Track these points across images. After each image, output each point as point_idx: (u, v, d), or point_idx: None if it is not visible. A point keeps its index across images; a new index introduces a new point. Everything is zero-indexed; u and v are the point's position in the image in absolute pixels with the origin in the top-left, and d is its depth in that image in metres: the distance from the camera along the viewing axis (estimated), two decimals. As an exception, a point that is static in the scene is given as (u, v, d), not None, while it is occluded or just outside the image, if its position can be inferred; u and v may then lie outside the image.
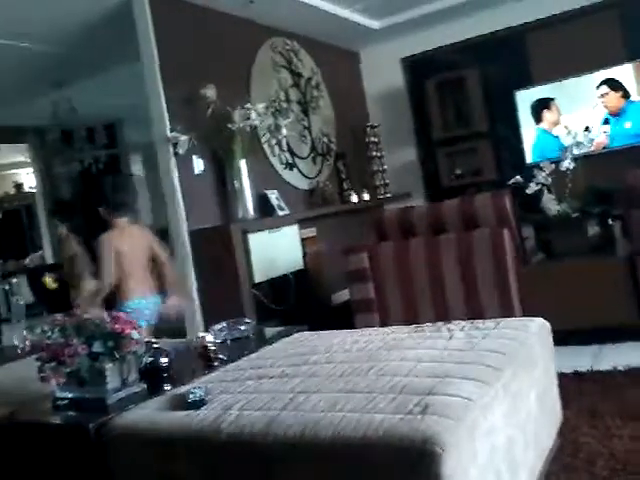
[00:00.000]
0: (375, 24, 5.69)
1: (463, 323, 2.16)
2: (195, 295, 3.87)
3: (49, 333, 1.96)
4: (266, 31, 5.01)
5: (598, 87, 5.01)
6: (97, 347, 1.88)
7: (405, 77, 6.08)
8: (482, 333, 2.01)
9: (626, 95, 4.94)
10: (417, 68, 5.99)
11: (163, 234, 6.15)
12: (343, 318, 3.84)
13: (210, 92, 4.15)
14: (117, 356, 1.89)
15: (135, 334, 1.92)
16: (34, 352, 1.96)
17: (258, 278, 3.92)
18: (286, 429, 1.48)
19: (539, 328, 2.12)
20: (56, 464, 1.82)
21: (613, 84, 4.96)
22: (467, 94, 5.69)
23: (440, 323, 2.19)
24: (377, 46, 6.04)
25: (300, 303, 4.29)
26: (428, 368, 1.71)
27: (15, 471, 1.93)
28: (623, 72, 4.95)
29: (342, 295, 4.63)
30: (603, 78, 5.00)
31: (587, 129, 5.00)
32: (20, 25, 4.37)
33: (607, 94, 4.98)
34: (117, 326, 1.89)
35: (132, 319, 1.94)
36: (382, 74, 6.11)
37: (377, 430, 1.39)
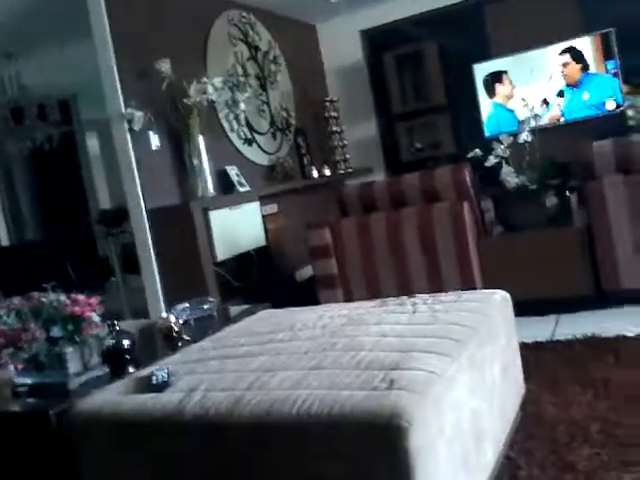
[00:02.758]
0: (332, -3, 5.62)
1: (426, 297, 2.18)
2: (156, 275, 3.81)
3: (4, 318, 1.89)
4: (222, 3, 4.90)
5: (561, 54, 5.05)
6: (56, 331, 1.83)
7: (363, 51, 6.04)
8: (445, 306, 2.03)
9: (585, 67, 5.01)
10: (375, 41, 5.96)
11: (122, 213, 6.02)
12: (307, 294, 3.84)
13: (165, 66, 4.04)
14: (77, 340, 1.84)
15: (95, 316, 1.88)
16: (-11, 338, 1.89)
17: (220, 256, 3.89)
18: (252, 408, 1.46)
19: (500, 300, 2.15)
20: (17, 453, 1.77)
21: (575, 54, 5.02)
22: (426, 68, 5.69)
23: (404, 297, 2.21)
24: (335, 19, 5.98)
25: (264, 280, 4.27)
26: (393, 343, 1.71)
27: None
28: (581, 45, 5.02)
29: (306, 271, 4.62)
30: (564, 48, 5.05)
31: (545, 102, 5.06)
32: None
33: (568, 64, 5.04)
34: (77, 309, 1.84)
35: (92, 301, 1.89)
36: (340, 48, 6.06)
37: (343, 406, 1.38)
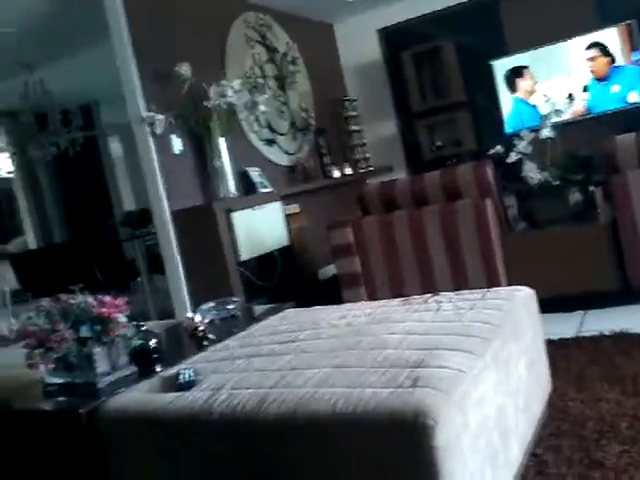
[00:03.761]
0: (348, -5, 5.63)
1: (450, 294, 2.17)
2: (181, 276, 3.86)
3: (35, 319, 1.93)
4: (238, 6, 4.94)
5: (588, 48, 5.00)
6: (84, 332, 1.85)
7: (381, 49, 6.04)
8: (469, 304, 2.02)
9: (613, 60, 4.95)
10: (393, 40, 5.96)
11: (146, 215, 6.09)
12: (331, 293, 3.85)
13: (185, 69, 4.09)
14: (105, 340, 1.87)
15: (122, 317, 1.90)
16: (20, 339, 1.94)
17: (244, 256, 3.92)
18: (278, 406, 1.48)
19: (525, 297, 2.13)
20: (49, 450, 1.81)
21: (602, 48, 4.96)
22: (444, 65, 5.68)
23: (428, 295, 2.20)
24: (352, 18, 5.99)
25: (287, 279, 4.30)
26: (417, 341, 1.71)
27: (8, 458, 1.91)
28: (606, 37, 4.95)
29: (329, 270, 4.64)
30: (590, 42, 4.99)
31: (570, 96, 5.00)
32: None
33: (596, 58, 4.98)
34: (104, 310, 1.87)
35: (118, 302, 1.92)
36: (358, 46, 6.07)
37: (368, 404, 1.39)
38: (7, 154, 7.68)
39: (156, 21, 4.10)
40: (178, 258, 3.88)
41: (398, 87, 5.89)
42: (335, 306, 2.34)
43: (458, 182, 3.49)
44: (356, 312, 2.13)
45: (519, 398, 1.80)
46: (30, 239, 7.52)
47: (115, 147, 7.98)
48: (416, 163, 5.81)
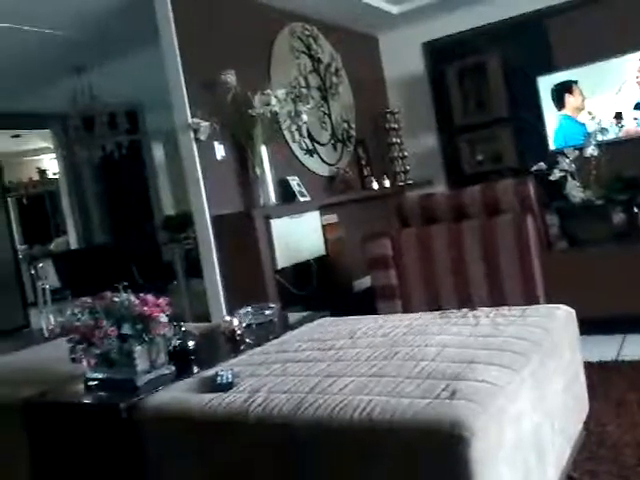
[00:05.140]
0: (394, 9, 5.66)
1: (488, 310, 2.16)
2: (218, 280, 3.91)
3: (79, 315, 1.98)
4: (285, 16, 5.00)
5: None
6: (126, 329, 1.90)
7: (425, 63, 6.03)
8: (508, 320, 2.00)
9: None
10: (437, 53, 5.95)
11: (185, 219, 6.18)
12: (365, 305, 3.84)
13: (230, 77, 4.15)
14: (146, 338, 1.91)
15: (163, 317, 1.95)
16: (64, 334, 1.99)
17: (281, 264, 3.95)
18: (314, 412, 1.49)
19: (565, 316, 2.11)
20: (88, 442, 1.85)
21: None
22: (488, 80, 5.64)
23: (465, 310, 2.19)
24: (396, 31, 6.01)
25: (322, 289, 4.31)
26: (454, 353, 1.71)
27: (48, 449, 1.97)
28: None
29: (364, 281, 4.64)
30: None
31: (619, 116, 4.90)
32: (39, 11, 4.40)
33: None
34: (146, 309, 1.91)
35: (160, 302, 1.96)
36: (402, 59, 6.07)
37: (404, 413, 1.40)
38: (54, 155, 7.92)
39: (204, 29, 4.19)
40: (216, 263, 3.93)
41: (441, 101, 5.88)
42: (371, 316, 2.35)
43: (499, 197, 3.47)
44: (393, 323, 2.13)
45: (555, 418, 1.77)
46: (72, 239, 7.71)
47: (157, 152, 8.15)
48: (456, 178, 5.78)
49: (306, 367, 1.78)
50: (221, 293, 3.91)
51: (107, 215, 7.77)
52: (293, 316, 2.70)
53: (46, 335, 5.92)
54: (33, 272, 6.57)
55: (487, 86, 5.66)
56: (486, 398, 1.42)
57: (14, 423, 2.00)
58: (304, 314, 2.62)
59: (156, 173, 7.95)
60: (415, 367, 1.64)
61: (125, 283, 2.02)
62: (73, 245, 7.67)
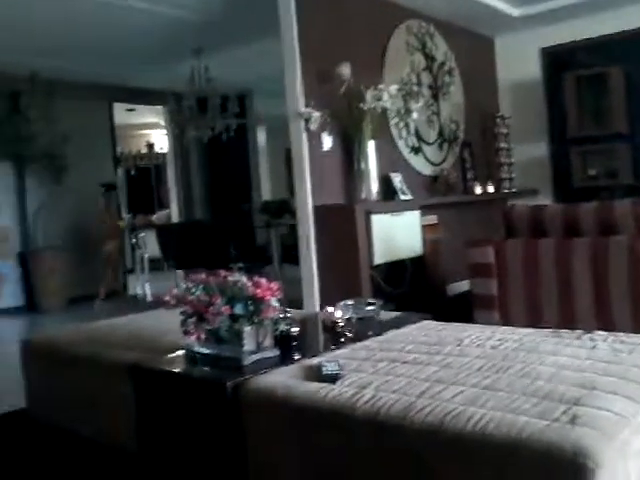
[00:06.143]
0: (515, 11, 5.49)
1: (605, 334, 2.05)
2: (314, 269, 3.94)
3: (193, 290, 2.04)
4: (404, 12, 4.96)
5: None
6: (238, 309, 1.94)
7: (542, 69, 5.82)
8: (628, 347, 1.90)
9: None
10: (556, 60, 5.73)
11: (284, 206, 6.28)
12: (458, 310, 3.77)
13: (345, 70, 4.17)
14: (255, 320, 1.95)
15: (274, 301, 1.98)
16: (178, 306, 2.06)
17: (377, 260, 3.94)
18: (424, 417, 1.47)
19: (689, 349, 1.97)
20: (191, 414, 1.91)
21: None
22: (609, 92, 5.39)
23: (579, 331, 2.10)
24: (515, 34, 5.83)
25: (415, 290, 4.27)
26: (572, 377, 1.64)
27: (152, 412, 2.05)
28: None
29: (458, 286, 4.56)
30: None
31: None
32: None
33: None
34: (259, 291, 1.95)
35: (273, 286, 1.99)
36: (518, 64, 5.89)
37: (521, 432, 1.35)
38: (164, 131, 8.23)
39: (324, 21, 4.21)
40: (314, 252, 3.96)
41: (555, 109, 5.67)
42: (477, 325, 2.30)
43: (615, 217, 3.29)
44: (502, 335, 2.07)
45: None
46: (174, 213, 8.02)
47: (260, 137, 8.32)
48: (564, 190, 5.56)
49: (414, 370, 1.75)
50: (316, 282, 3.95)
51: (208, 193, 8.02)
52: (389, 314, 2.67)
53: (144, 300, 6.21)
54: (134, 241, 6.88)
55: (607, 99, 5.40)
56: (611, 428, 1.35)
57: (123, 383, 2.10)
58: (405, 314, 2.60)
59: (257, 158, 8.12)
60: (530, 385, 1.58)
61: (240, 264, 2.07)
62: (174, 218, 7.98)
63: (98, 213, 6.69)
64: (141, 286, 6.63)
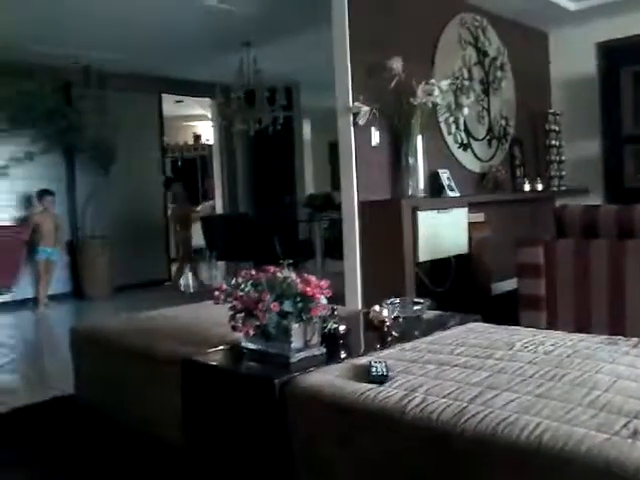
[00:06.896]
0: (571, 5, 5.32)
1: (665, 343, 1.98)
2: (358, 265, 3.92)
3: (242, 285, 2.05)
4: (457, 5, 4.87)
5: None
6: (287, 306, 1.94)
7: (598, 64, 5.64)
8: (690, 358, 1.82)
9: None
10: (613, 55, 5.54)
11: (328, 200, 6.26)
12: (503, 310, 3.69)
13: (396, 64, 4.11)
14: (304, 318, 1.94)
15: (324, 299, 1.96)
16: (227, 301, 2.06)
17: (422, 257, 3.89)
18: (477, 424, 1.44)
19: None
20: (237, 409, 1.92)
21: None
22: (668, 88, 5.18)
23: (636, 339, 2.03)
24: (569, 28, 5.65)
25: (459, 288, 4.20)
26: (631, 387, 1.58)
27: (198, 406, 2.07)
28: None
29: (503, 285, 4.47)
30: None
31: None
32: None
33: None
34: (308, 289, 1.94)
35: (322, 284, 1.98)
36: (572, 59, 5.72)
37: (579, 445, 1.30)
38: (211, 123, 8.29)
39: (375, 15, 4.16)
40: (358, 247, 3.94)
41: (610, 106, 5.49)
42: (528, 329, 2.24)
43: (673, 219, 3.17)
44: (554, 340, 2.01)
45: None
46: (218, 205, 8.09)
47: (305, 130, 8.30)
48: (615, 190, 5.39)
49: (465, 374, 1.72)
50: (359, 278, 3.93)
51: (252, 186, 8.06)
52: (434, 313, 2.62)
53: (184, 291, 6.28)
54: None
55: (666, 95, 5.20)
56: (675, 445, 1.29)
57: (174, 376, 2.12)
58: (453, 314, 2.55)
59: (302, 150, 8.11)
60: (587, 395, 1.53)
61: (290, 260, 2.06)
62: (218, 210, 8.05)
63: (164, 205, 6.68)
64: (185, 276, 6.72)
